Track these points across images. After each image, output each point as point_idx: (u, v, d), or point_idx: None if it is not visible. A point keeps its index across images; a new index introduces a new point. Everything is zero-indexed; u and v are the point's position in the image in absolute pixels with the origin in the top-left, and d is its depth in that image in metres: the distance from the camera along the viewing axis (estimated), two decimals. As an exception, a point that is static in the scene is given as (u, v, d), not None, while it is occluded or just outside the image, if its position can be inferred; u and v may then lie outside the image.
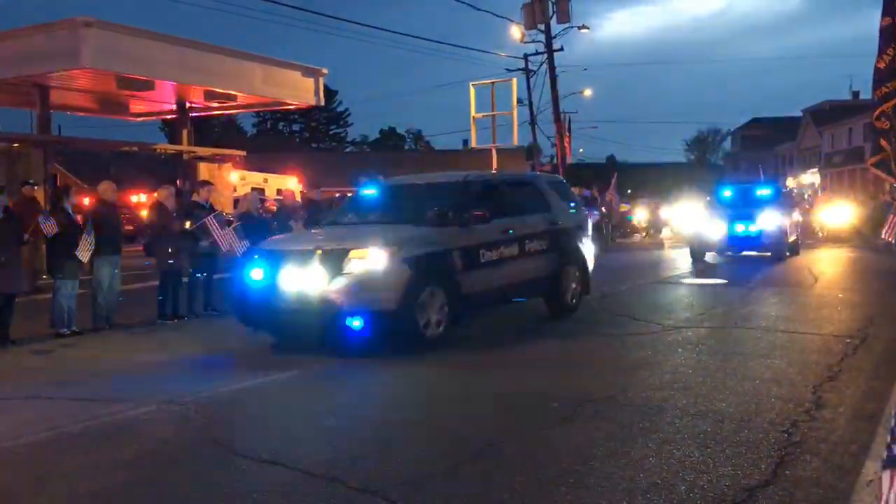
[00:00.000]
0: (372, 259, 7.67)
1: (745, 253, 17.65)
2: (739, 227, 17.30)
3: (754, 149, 69.43)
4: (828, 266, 16.43)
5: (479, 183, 9.72)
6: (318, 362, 7.60)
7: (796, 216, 19.77)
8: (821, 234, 23.08)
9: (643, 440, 4.87)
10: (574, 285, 10.16)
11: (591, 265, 10.75)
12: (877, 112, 6.23)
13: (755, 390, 6.04)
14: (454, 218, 8.57)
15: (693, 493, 4.00)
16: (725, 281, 13.71)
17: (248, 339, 8.37)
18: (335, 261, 7.68)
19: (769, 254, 17.27)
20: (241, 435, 5.32)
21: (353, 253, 7.73)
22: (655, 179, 58.76)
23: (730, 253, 17.82)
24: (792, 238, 18.17)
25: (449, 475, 4.37)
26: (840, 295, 11.69)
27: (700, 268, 16.38)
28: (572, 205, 10.98)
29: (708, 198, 21.21)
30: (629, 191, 28.36)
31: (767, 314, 10.02)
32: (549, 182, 11.03)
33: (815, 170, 55.14)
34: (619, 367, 7.07)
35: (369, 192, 10.47)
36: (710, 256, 17.58)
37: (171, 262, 10.30)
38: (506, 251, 9.02)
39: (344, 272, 7.62)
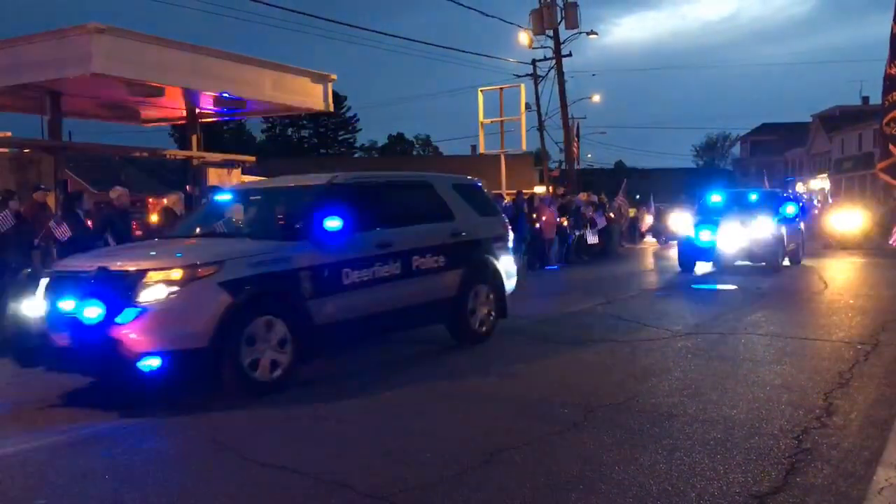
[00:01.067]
0: (175, 282, 6.09)
1: (738, 263, 16.44)
2: (728, 236, 15.97)
3: (764, 154, 69.29)
4: (838, 272, 16.35)
5: (348, 186, 7.91)
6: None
7: (798, 223, 18.42)
8: (831, 241, 22.87)
9: (653, 446, 4.86)
10: (485, 309, 8.69)
11: (511, 283, 9.22)
12: (887, 118, 6.23)
13: (766, 397, 6.01)
14: (304, 229, 7.03)
15: (703, 500, 3.99)
16: (735, 287, 13.66)
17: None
18: (128, 284, 6.07)
19: (763, 264, 16.18)
20: (248, 439, 5.32)
21: (151, 275, 6.13)
22: (665, 184, 58.64)
23: (720, 263, 16.54)
24: (791, 246, 17.08)
25: (457, 481, 4.37)
26: (851, 301, 11.63)
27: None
28: (488, 212, 9.37)
29: (697, 204, 19.91)
30: (637, 196, 28.33)
31: (778, 320, 9.98)
32: (456, 185, 9.16)
33: (825, 175, 54.94)
34: (628, 373, 7.05)
35: (223, 198, 8.80)
36: (700, 267, 16.57)
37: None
38: (383, 270, 7.47)
39: (138, 299, 5.99)
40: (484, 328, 8.68)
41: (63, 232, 9.01)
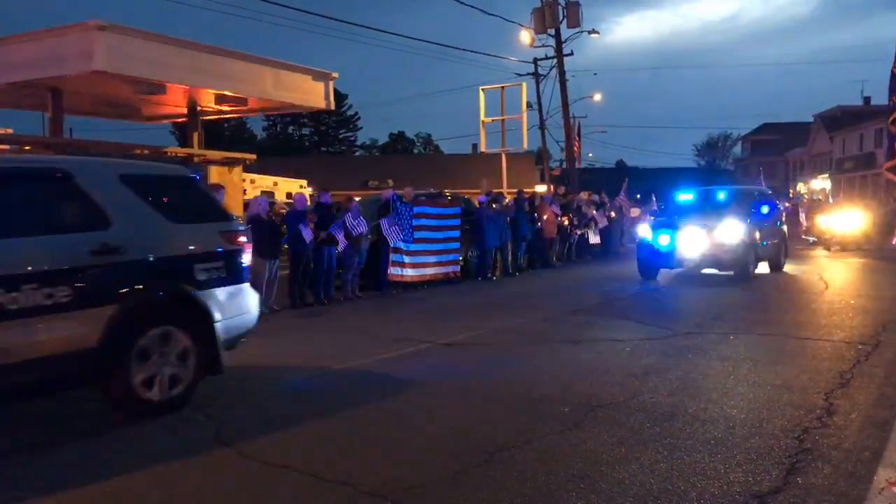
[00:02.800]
0: None
1: (705, 271, 14.85)
2: (690, 240, 14.30)
3: (765, 154, 69.28)
4: (838, 272, 16.34)
5: None
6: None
7: (778, 225, 16.68)
8: (825, 240, 22.67)
9: (654, 445, 4.86)
10: (174, 364, 5.87)
11: (235, 323, 6.41)
12: (893, 117, 6.23)
13: (766, 396, 6.01)
14: None
15: (704, 500, 3.99)
16: (736, 286, 13.65)
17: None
18: None
19: (731, 272, 14.44)
20: (248, 436, 5.33)
21: None
22: (666, 184, 58.68)
23: (682, 270, 15.01)
24: (767, 252, 15.47)
25: (458, 480, 4.37)
26: (851, 301, 11.62)
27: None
28: (194, 217, 6.42)
29: (660, 204, 18.39)
30: (638, 195, 28.42)
31: (778, 320, 9.97)
32: (128, 175, 6.09)
33: (826, 175, 54.95)
34: (629, 372, 7.05)
35: None
36: (663, 274, 15.17)
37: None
38: None
39: None
40: (176, 390, 5.86)
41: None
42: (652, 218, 17.16)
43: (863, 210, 23.01)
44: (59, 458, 4.96)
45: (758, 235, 14.82)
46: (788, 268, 16.50)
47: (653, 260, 14.73)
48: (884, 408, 5.66)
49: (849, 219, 22.27)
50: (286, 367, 7.51)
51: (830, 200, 29.72)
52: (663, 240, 14.53)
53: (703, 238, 14.24)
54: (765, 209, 15.50)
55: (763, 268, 15.68)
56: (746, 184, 39.80)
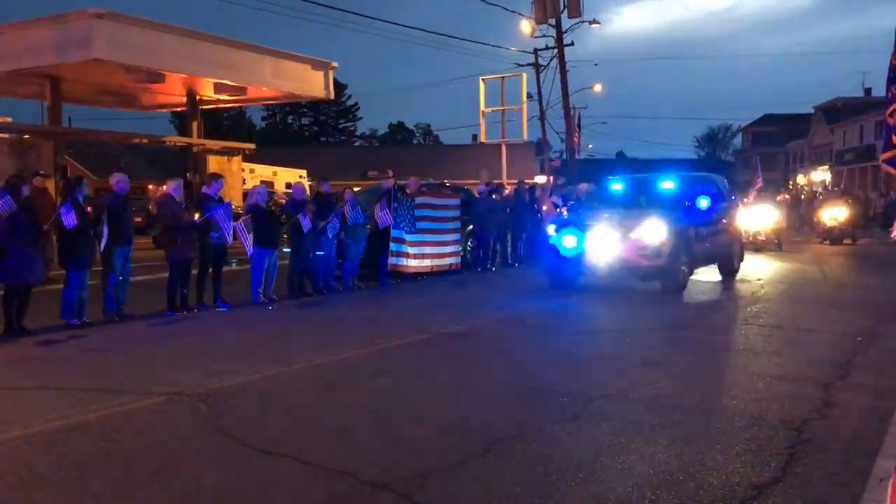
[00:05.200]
0: None
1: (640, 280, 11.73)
2: (601, 242, 11.39)
3: (765, 145, 69.10)
4: (837, 264, 16.34)
5: None
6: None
7: (732, 224, 13.91)
8: (819, 231, 22.69)
9: (653, 436, 4.86)
10: None
11: None
12: (890, 108, 6.21)
13: (765, 387, 6.02)
14: None
15: (703, 490, 3.99)
16: (736, 278, 13.65)
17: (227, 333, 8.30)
18: None
19: (657, 283, 11.50)
20: (251, 426, 5.33)
21: None
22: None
23: (593, 277, 11.97)
24: (714, 254, 12.93)
25: (458, 469, 4.37)
26: (851, 293, 11.63)
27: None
28: None
29: (571, 195, 15.66)
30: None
31: (777, 311, 9.98)
32: None
33: (827, 167, 54.88)
34: (628, 363, 7.05)
35: None
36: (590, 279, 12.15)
37: (180, 254, 10.34)
38: None
39: None
40: None
41: (71, 219, 8.97)
42: (562, 211, 14.53)
43: (847, 203, 22.87)
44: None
45: (694, 234, 11.91)
46: (703, 283, 12.91)
47: (557, 266, 11.96)
48: (883, 398, 5.66)
49: (837, 211, 22.15)
50: (284, 356, 7.50)
51: (819, 194, 29.51)
52: (568, 241, 11.68)
53: (617, 239, 11.33)
54: (704, 202, 12.02)
55: (712, 274, 13.33)
56: (747, 176, 39.08)
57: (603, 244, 11.41)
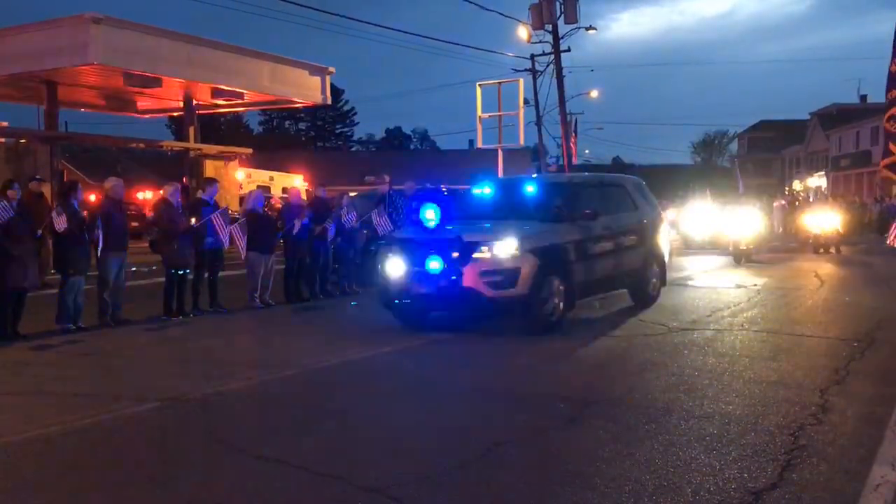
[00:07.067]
0: None
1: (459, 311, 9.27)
2: (430, 264, 8.68)
3: (762, 151, 69.30)
4: (833, 270, 16.36)
5: None
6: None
7: (649, 239, 11.15)
8: (810, 239, 21.95)
9: (649, 442, 4.85)
10: None
11: None
12: (888, 114, 6.22)
13: (762, 393, 6.01)
14: None
15: (699, 496, 3.98)
16: (732, 284, 13.66)
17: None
18: None
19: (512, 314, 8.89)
20: (246, 431, 5.31)
21: None
22: (662, 181, 58.68)
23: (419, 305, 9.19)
24: (595, 282, 9.85)
25: (455, 474, 4.36)
26: (847, 298, 11.64)
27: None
28: None
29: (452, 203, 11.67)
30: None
31: (774, 317, 9.98)
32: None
33: (823, 173, 55.03)
34: (624, 368, 7.04)
35: None
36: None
37: (176, 258, 10.32)
38: None
39: None
40: None
41: (61, 223, 8.95)
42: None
43: (836, 209, 22.37)
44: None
45: (574, 253, 9.34)
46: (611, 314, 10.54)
47: (386, 294, 9.37)
48: (879, 404, 5.66)
49: (826, 218, 21.44)
50: (280, 362, 7.49)
51: (811, 200, 29.09)
52: (392, 265, 9.13)
53: (456, 262, 8.64)
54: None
55: (623, 300, 11.01)
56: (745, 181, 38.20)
57: (435, 269, 8.69)
